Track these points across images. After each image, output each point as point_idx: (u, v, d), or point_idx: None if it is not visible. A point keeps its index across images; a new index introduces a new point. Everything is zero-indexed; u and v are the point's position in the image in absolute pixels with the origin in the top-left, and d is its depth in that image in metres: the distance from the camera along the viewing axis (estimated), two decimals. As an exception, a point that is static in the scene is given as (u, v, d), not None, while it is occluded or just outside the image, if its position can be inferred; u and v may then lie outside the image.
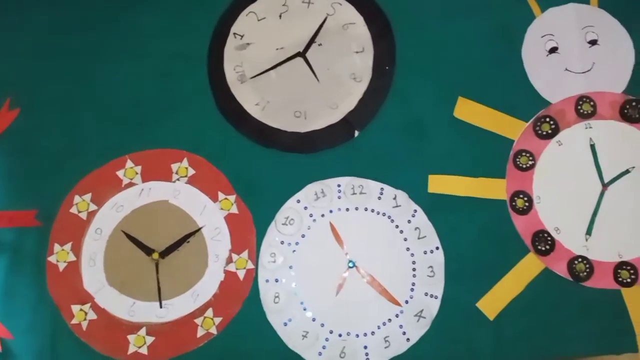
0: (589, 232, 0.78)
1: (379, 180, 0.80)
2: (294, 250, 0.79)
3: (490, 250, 0.78)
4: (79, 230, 0.80)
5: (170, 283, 0.78)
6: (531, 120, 0.81)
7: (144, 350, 0.76)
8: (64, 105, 0.85)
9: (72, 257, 0.79)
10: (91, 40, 0.87)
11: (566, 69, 0.82)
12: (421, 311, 0.77)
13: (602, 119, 0.80)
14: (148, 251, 0.78)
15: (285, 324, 0.77)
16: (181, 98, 0.84)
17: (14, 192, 0.82)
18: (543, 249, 0.78)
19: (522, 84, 0.82)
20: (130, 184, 0.80)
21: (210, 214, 0.79)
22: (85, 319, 0.77)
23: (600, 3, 0.83)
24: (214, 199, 0.80)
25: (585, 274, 0.77)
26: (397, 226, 0.79)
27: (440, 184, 0.80)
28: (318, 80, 0.83)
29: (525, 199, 0.79)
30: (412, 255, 0.78)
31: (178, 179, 0.80)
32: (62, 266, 0.79)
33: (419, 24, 0.84)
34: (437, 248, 0.78)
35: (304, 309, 0.77)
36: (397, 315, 0.77)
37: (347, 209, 0.80)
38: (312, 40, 0.84)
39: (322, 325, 0.77)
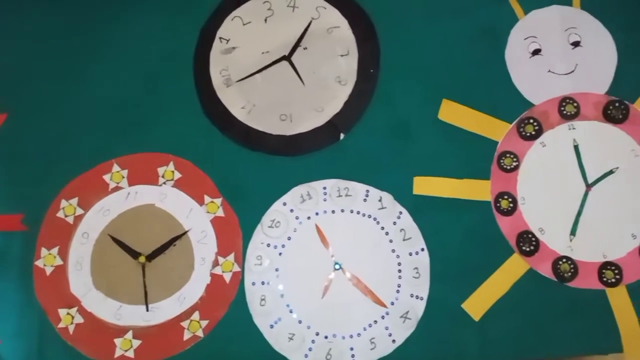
0: (573, 232, 0.79)
1: (365, 183, 0.81)
2: (280, 253, 0.80)
3: (475, 251, 0.79)
4: (66, 235, 0.81)
5: (157, 286, 0.79)
6: (515, 122, 0.82)
7: (130, 354, 0.77)
8: (51, 110, 0.86)
9: (59, 261, 0.80)
10: (77, 44, 0.88)
11: (549, 71, 0.83)
12: (407, 312, 0.78)
13: (586, 120, 0.82)
14: (134, 255, 0.79)
15: (272, 327, 0.78)
16: (167, 102, 0.85)
17: (0, 197, 0.83)
18: (527, 249, 0.79)
19: (505, 86, 0.83)
20: (117, 188, 0.82)
21: (197, 218, 0.80)
22: (72, 323, 0.78)
23: (582, 5, 0.85)
24: (200, 202, 0.81)
25: (569, 274, 0.78)
26: (382, 228, 0.80)
27: (425, 185, 0.81)
28: (303, 83, 0.84)
29: (510, 200, 0.80)
30: (398, 256, 0.79)
31: (164, 183, 0.81)
32: (49, 270, 0.80)
33: (403, 27, 0.85)
34: (423, 249, 0.79)
35: (290, 311, 0.78)
36: (382, 317, 0.78)
37: (333, 211, 0.81)
38: (297, 44, 0.85)
39: (309, 327, 0.78)
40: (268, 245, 0.80)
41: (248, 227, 0.80)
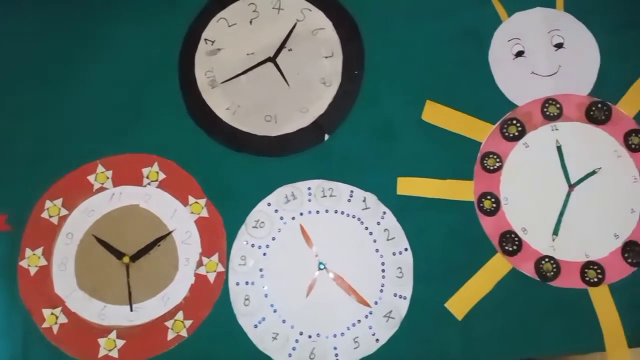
0: (555, 232, 0.80)
1: (349, 183, 0.82)
2: (264, 253, 0.81)
3: (459, 251, 0.80)
4: (50, 235, 0.81)
5: (141, 286, 0.79)
6: (498, 123, 0.83)
7: (114, 354, 0.78)
8: (35, 111, 0.86)
9: (43, 262, 0.81)
10: (62, 46, 0.88)
11: (532, 72, 0.84)
12: (390, 312, 0.79)
13: (568, 121, 0.83)
14: (119, 255, 0.80)
15: (256, 326, 0.78)
16: (152, 103, 0.85)
17: (-16, 197, 0.84)
18: (510, 249, 0.80)
19: (489, 87, 0.84)
20: (101, 189, 0.82)
21: (181, 218, 0.81)
22: (56, 323, 0.79)
23: (566, 7, 0.86)
24: (185, 202, 0.82)
25: (552, 273, 0.79)
26: (366, 228, 0.81)
27: (409, 186, 0.82)
28: (288, 84, 0.85)
29: (493, 200, 0.81)
30: (382, 256, 0.80)
31: (149, 183, 0.82)
32: (33, 270, 0.80)
33: (387, 28, 0.86)
34: (406, 249, 0.80)
35: (274, 311, 0.79)
36: (366, 316, 0.79)
37: (318, 212, 0.82)
38: (282, 46, 0.86)
39: (292, 327, 0.79)
40: (252, 245, 0.81)
41: (232, 228, 0.81)
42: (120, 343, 0.78)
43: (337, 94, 0.85)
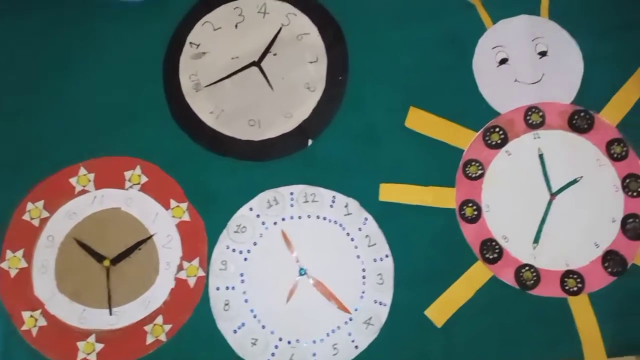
0: (536, 240, 0.81)
1: (332, 189, 0.83)
2: (245, 258, 0.81)
3: (439, 259, 0.80)
4: (31, 237, 0.81)
5: (121, 290, 0.80)
6: (481, 130, 0.84)
7: (93, 357, 0.78)
8: (18, 113, 0.87)
9: (23, 264, 0.81)
10: (45, 50, 0.88)
11: (516, 80, 0.85)
12: (370, 318, 0.79)
13: (551, 129, 0.84)
14: (99, 258, 0.80)
15: (235, 331, 0.79)
16: (136, 106, 0.86)
17: (-34, 199, 0.84)
18: (491, 257, 0.81)
19: (472, 94, 0.84)
20: (83, 192, 0.83)
21: (162, 222, 0.81)
22: (35, 326, 0.79)
23: (550, 15, 0.87)
24: (166, 206, 0.82)
25: (532, 282, 0.80)
26: (348, 234, 0.82)
27: (391, 192, 0.82)
28: (272, 89, 0.86)
29: (474, 207, 0.82)
30: (362, 262, 0.81)
31: (131, 187, 0.83)
32: (13, 272, 0.81)
33: (372, 34, 0.87)
34: (387, 256, 0.81)
35: (254, 317, 0.79)
36: (346, 323, 0.79)
37: (300, 217, 0.82)
38: (267, 50, 0.86)
39: (272, 332, 0.79)
40: (233, 250, 0.81)
41: (214, 232, 0.81)
42: (99, 347, 0.78)
43: (321, 99, 0.85)
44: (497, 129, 0.84)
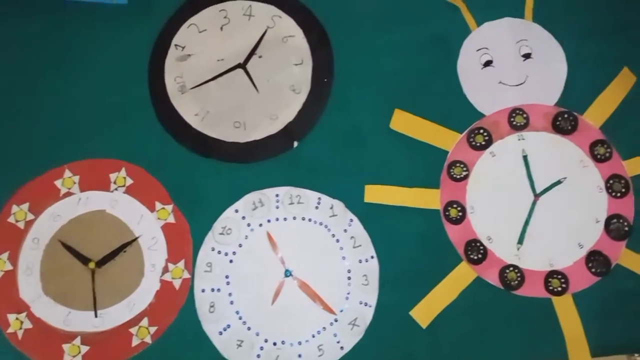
0: (520, 241, 0.82)
1: (317, 190, 0.83)
2: (230, 260, 0.82)
3: (424, 259, 0.81)
4: (17, 240, 0.82)
5: (106, 292, 0.80)
6: (465, 132, 0.85)
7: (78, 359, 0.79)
8: (2, 116, 0.87)
9: (9, 267, 0.81)
10: (29, 52, 0.89)
11: (500, 82, 0.86)
12: (355, 319, 0.80)
13: (535, 131, 0.85)
14: (84, 260, 0.80)
15: (221, 333, 0.80)
16: (121, 108, 0.86)
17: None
18: (475, 257, 0.81)
19: (457, 96, 0.86)
20: (68, 194, 0.83)
21: (148, 224, 0.82)
22: (20, 328, 0.80)
23: (534, 18, 0.88)
24: (152, 208, 0.82)
25: (516, 282, 0.81)
26: (333, 235, 0.82)
27: (376, 193, 0.83)
28: (258, 91, 0.86)
29: (459, 208, 0.83)
30: (348, 264, 0.81)
31: (116, 189, 0.83)
32: (-2, 275, 0.82)
33: (357, 36, 0.88)
34: (372, 257, 0.82)
35: (240, 318, 0.80)
36: (331, 324, 0.80)
37: (285, 219, 0.83)
38: (252, 52, 0.87)
39: (257, 334, 0.80)
40: (219, 252, 0.82)
41: (199, 234, 0.82)
42: (85, 349, 0.79)
43: (306, 101, 0.86)
44: (482, 131, 0.85)
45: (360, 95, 0.86)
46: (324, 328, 0.80)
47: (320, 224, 0.83)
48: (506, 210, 0.83)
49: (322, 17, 0.89)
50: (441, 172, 0.84)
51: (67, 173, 0.84)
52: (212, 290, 0.81)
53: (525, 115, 0.85)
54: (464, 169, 0.84)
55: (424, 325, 0.80)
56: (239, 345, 0.79)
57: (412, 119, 0.85)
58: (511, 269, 0.81)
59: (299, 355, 0.79)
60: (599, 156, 0.84)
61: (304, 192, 0.84)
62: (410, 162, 0.84)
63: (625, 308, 0.80)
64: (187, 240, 0.82)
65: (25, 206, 0.83)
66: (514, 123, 0.85)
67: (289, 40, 0.88)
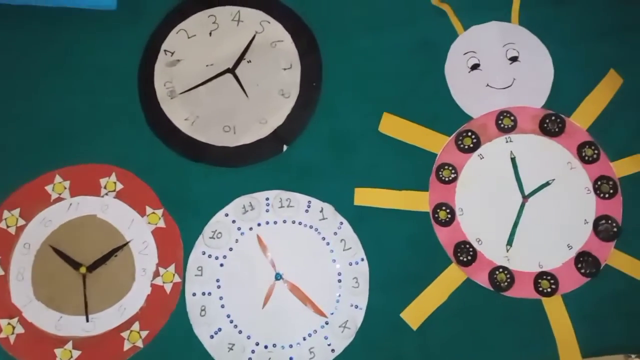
0: (509, 243, 0.83)
1: (307, 194, 0.85)
2: (221, 264, 0.83)
3: (414, 262, 0.83)
4: (8, 245, 0.83)
5: (98, 297, 0.81)
6: (453, 135, 0.86)
7: (70, 364, 0.80)
8: (-8, 121, 0.88)
9: (0, 272, 0.82)
10: (18, 57, 0.90)
11: (487, 85, 0.88)
12: (346, 322, 0.81)
13: (523, 133, 0.86)
14: (75, 265, 0.82)
15: (212, 337, 0.81)
16: (110, 113, 0.87)
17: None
18: (465, 259, 0.83)
19: (444, 100, 0.87)
20: (59, 199, 0.84)
21: (138, 228, 0.83)
22: (13, 333, 0.81)
23: (521, 21, 0.89)
24: (142, 213, 0.84)
25: (506, 284, 0.82)
26: (323, 238, 0.84)
27: (365, 196, 0.85)
28: (247, 95, 0.88)
29: (448, 210, 0.84)
30: (338, 266, 0.83)
31: (106, 194, 0.84)
32: (-10, 281, 0.83)
33: (345, 41, 0.89)
34: (362, 259, 0.83)
35: (231, 322, 0.81)
36: (322, 326, 0.81)
37: (275, 222, 0.84)
38: (241, 57, 0.89)
39: (249, 337, 0.81)
40: (209, 256, 0.83)
41: (189, 238, 0.83)
42: (77, 354, 0.80)
43: (295, 105, 0.87)
44: (470, 133, 0.86)
45: (348, 98, 0.88)
46: (314, 331, 0.81)
47: (311, 227, 0.84)
48: (495, 212, 0.84)
49: (310, 21, 0.90)
50: (430, 175, 0.85)
51: (58, 178, 0.85)
52: (203, 294, 0.82)
53: (512, 118, 0.86)
54: (453, 171, 0.85)
55: (414, 327, 0.81)
56: (230, 349, 0.80)
57: (401, 122, 0.86)
58: (501, 270, 0.82)
59: (290, 358, 0.80)
60: (586, 158, 0.85)
61: (294, 195, 0.85)
62: (399, 165, 0.86)
63: (615, 308, 0.81)
64: (177, 244, 0.83)
65: (16, 212, 0.84)
66: (502, 125, 0.86)
67: (278, 45, 0.89)
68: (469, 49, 0.89)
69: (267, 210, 0.85)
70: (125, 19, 0.91)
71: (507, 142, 0.86)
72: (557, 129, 0.86)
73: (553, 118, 0.86)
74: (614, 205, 0.84)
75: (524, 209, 0.84)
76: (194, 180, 0.85)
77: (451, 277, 0.82)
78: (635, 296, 0.82)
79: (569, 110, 0.86)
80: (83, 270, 0.82)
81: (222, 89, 0.88)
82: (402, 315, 0.81)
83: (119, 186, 0.85)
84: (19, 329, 0.81)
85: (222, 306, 0.82)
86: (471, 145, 0.86)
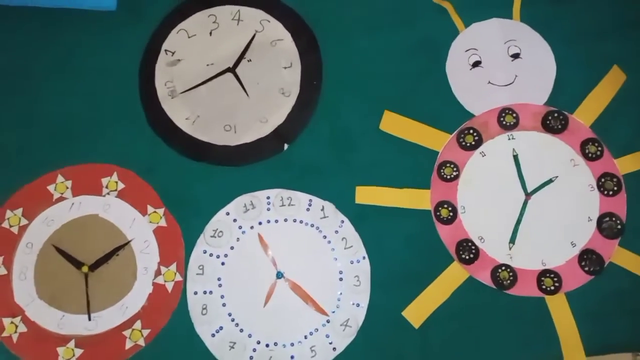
0: (512, 240, 0.84)
1: (308, 192, 0.86)
2: (222, 263, 0.84)
3: (416, 260, 0.83)
4: (11, 245, 0.84)
5: (100, 296, 0.82)
6: (455, 132, 0.87)
7: (72, 363, 0.81)
8: (-5, 122, 0.90)
9: (3, 271, 0.84)
10: (20, 58, 0.91)
11: (489, 82, 0.88)
12: (347, 320, 0.82)
13: (525, 130, 0.87)
14: (77, 264, 0.83)
15: (213, 335, 0.81)
16: (112, 113, 0.89)
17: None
18: (467, 257, 0.83)
19: (446, 97, 0.88)
20: (61, 199, 0.85)
21: (140, 228, 0.84)
22: (15, 332, 0.82)
23: (522, 18, 0.90)
24: (143, 212, 0.85)
25: (509, 282, 0.82)
26: (324, 237, 0.84)
27: (367, 195, 0.85)
28: (248, 95, 0.89)
29: (450, 208, 0.85)
30: (339, 265, 0.83)
31: (108, 193, 0.86)
32: (-7, 280, 0.84)
33: (345, 39, 0.90)
34: (364, 258, 0.84)
35: (232, 320, 0.82)
36: (324, 325, 0.82)
37: (276, 221, 0.85)
38: (241, 56, 0.90)
39: (250, 335, 0.82)
40: (210, 255, 0.84)
41: (191, 237, 0.84)
42: (79, 352, 0.81)
43: (296, 104, 0.88)
44: (472, 131, 0.86)
45: (349, 97, 0.88)
46: (316, 329, 0.82)
47: (312, 225, 0.85)
48: (497, 209, 0.85)
49: (309, 20, 0.91)
50: (432, 173, 0.86)
51: (60, 178, 0.86)
52: (205, 292, 0.83)
53: (515, 115, 0.87)
54: (455, 169, 0.86)
55: (416, 325, 0.81)
56: (232, 347, 0.81)
57: (402, 120, 0.87)
58: (503, 268, 0.83)
59: (292, 357, 0.81)
60: (590, 155, 0.85)
61: (295, 194, 0.86)
62: (400, 163, 0.86)
63: (619, 306, 0.82)
64: (179, 243, 0.84)
65: (18, 211, 0.85)
66: (504, 123, 0.87)
67: (278, 44, 0.90)
68: (470, 46, 0.89)
69: (268, 209, 0.85)
70: (125, 19, 0.92)
71: (509, 139, 0.86)
72: (559, 126, 0.86)
73: (556, 115, 0.86)
74: (617, 202, 0.84)
75: (526, 207, 0.84)
76: (195, 179, 0.86)
77: (453, 276, 0.83)
78: (639, 294, 0.82)
79: (572, 107, 0.87)
80: (85, 269, 0.83)
81: (223, 88, 0.89)
82: (403, 313, 0.82)
83: (121, 185, 0.86)
84: (22, 328, 0.82)
85: (224, 305, 0.83)
86: (473, 143, 0.86)
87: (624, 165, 0.85)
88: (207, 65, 0.90)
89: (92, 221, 0.85)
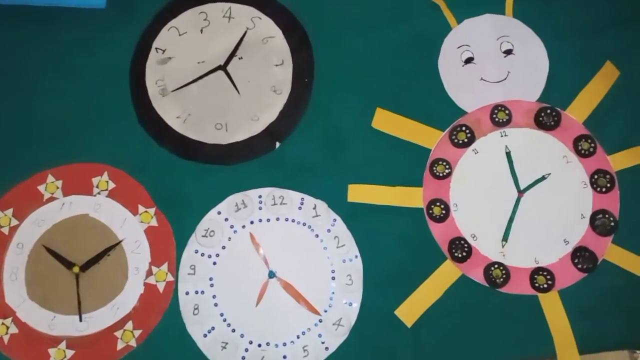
0: (505, 238, 0.84)
1: (300, 191, 0.86)
2: (214, 262, 0.84)
3: (408, 258, 0.83)
4: (1, 245, 0.84)
5: (91, 296, 0.82)
6: (447, 129, 0.87)
7: (64, 364, 0.81)
8: (-16, 122, 0.90)
9: (-6, 272, 0.84)
10: (9, 56, 0.91)
11: (482, 79, 0.88)
12: (340, 319, 0.82)
13: (518, 127, 0.87)
14: (68, 265, 0.83)
15: (205, 335, 0.82)
16: (102, 112, 0.89)
17: None
18: (460, 255, 0.83)
19: (438, 94, 0.88)
20: (51, 199, 0.86)
21: (131, 227, 0.84)
22: (6, 333, 0.82)
23: (515, 14, 0.90)
24: (134, 212, 0.85)
25: (501, 280, 0.83)
26: (317, 235, 0.85)
27: (359, 193, 0.85)
28: (239, 92, 0.89)
29: (442, 206, 0.85)
30: (332, 264, 0.84)
31: (99, 193, 0.86)
32: (-17, 281, 0.84)
33: (336, 36, 0.90)
34: (356, 256, 0.84)
35: (224, 320, 0.82)
36: (316, 324, 0.82)
37: (268, 220, 0.85)
38: (232, 54, 0.90)
39: (242, 335, 0.82)
40: (202, 254, 0.84)
41: (182, 237, 0.84)
42: (70, 353, 0.81)
43: (287, 102, 0.88)
44: (464, 128, 0.87)
45: (341, 94, 0.89)
46: (308, 329, 0.82)
47: (304, 224, 0.85)
48: (490, 207, 0.85)
49: (301, 17, 0.91)
50: (424, 171, 0.86)
51: (50, 178, 0.87)
52: (196, 292, 0.83)
53: (507, 112, 0.87)
54: (447, 166, 0.86)
55: (409, 324, 0.82)
56: (224, 347, 0.82)
57: (394, 117, 0.87)
58: (496, 266, 0.83)
59: (284, 357, 0.81)
60: (583, 151, 0.86)
61: (286, 192, 0.86)
62: (392, 160, 0.86)
63: (612, 304, 0.82)
64: (170, 243, 0.84)
65: (9, 212, 0.86)
66: (497, 119, 0.87)
67: (269, 41, 0.90)
68: (462, 43, 0.89)
69: (260, 208, 0.86)
70: (114, 17, 0.92)
71: (502, 136, 0.87)
72: (552, 123, 0.86)
73: (548, 111, 0.87)
74: (611, 199, 0.84)
75: (519, 204, 0.85)
76: (186, 178, 0.86)
77: (446, 274, 0.83)
78: (632, 291, 0.82)
79: (565, 104, 0.87)
80: (76, 269, 0.83)
81: (214, 86, 0.89)
82: (396, 312, 0.82)
83: (111, 185, 0.86)
84: (13, 329, 0.82)
85: (215, 305, 0.83)
86: (465, 140, 0.86)
87: (617, 161, 0.85)
88: (198, 63, 0.90)
89: (83, 221, 0.85)
